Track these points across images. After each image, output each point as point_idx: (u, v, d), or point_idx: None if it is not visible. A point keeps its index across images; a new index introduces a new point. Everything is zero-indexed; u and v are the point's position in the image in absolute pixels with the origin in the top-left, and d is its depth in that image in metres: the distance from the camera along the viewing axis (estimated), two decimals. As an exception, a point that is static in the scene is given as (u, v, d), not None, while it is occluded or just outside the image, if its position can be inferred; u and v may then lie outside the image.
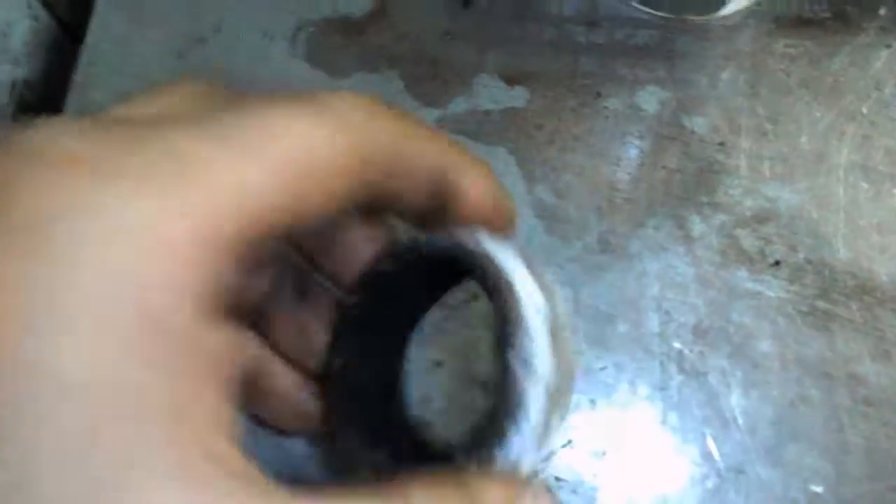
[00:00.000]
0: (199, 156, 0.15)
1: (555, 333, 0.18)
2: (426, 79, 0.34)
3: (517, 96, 0.34)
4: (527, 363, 0.17)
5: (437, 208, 0.21)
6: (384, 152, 0.18)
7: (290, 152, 0.16)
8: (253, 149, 0.15)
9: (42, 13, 0.39)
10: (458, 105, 0.33)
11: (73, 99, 0.34)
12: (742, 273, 0.31)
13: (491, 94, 0.34)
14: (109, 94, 0.34)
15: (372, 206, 0.20)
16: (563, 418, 0.18)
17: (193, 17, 0.35)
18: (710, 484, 0.29)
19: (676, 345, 0.30)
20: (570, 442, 0.29)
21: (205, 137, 0.15)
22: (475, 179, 0.21)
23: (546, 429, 0.17)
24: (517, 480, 0.17)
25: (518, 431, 0.17)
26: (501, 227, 0.22)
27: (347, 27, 0.35)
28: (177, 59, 0.35)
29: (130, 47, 0.35)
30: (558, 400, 0.18)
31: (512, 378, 0.17)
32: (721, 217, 0.32)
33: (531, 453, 0.17)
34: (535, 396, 0.17)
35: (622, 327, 0.30)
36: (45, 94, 0.39)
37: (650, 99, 0.34)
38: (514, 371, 0.17)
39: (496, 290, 0.18)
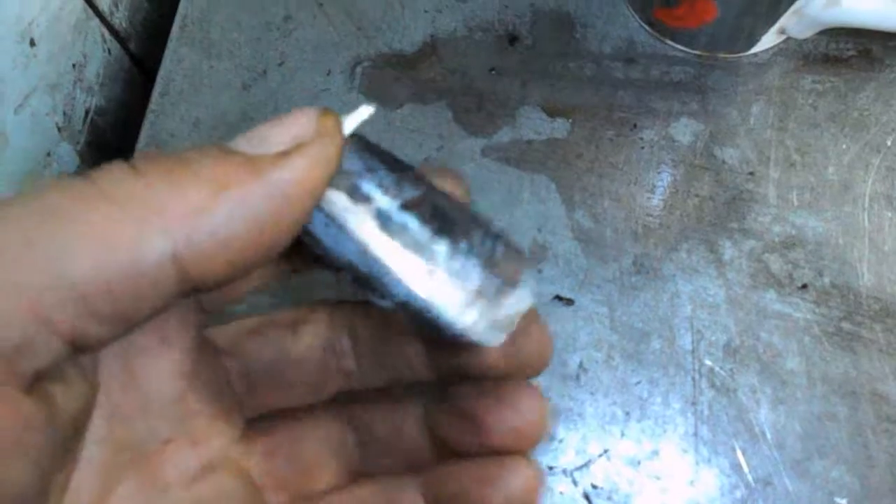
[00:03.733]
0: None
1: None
2: (473, 110, 0.36)
3: (558, 127, 0.36)
4: None
5: None
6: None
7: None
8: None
9: (115, 46, 0.42)
10: (503, 135, 0.36)
11: (147, 126, 0.37)
12: (771, 295, 0.33)
13: (534, 125, 0.36)
14: (181, 122, 0.37)
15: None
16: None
17: (258, 53, 0.38)
18: (738, 494, 0.30)
19: (708, 362, 0.32)
20: (606, 452, 0.31)
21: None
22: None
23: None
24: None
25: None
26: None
27: (400, 62, 0.37)
28: (242, 90, 0.37)
29: (200, 79, 0.38)
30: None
31: None
32: (751, 242, 0.34)
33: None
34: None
35: (656, 344, 0.32)
36: (116, 122, 0.43)
37: (684, 131, 0.36)
38: None
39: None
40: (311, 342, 0.22)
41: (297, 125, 0.16)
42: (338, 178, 0.16)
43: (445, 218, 0.17)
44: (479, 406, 0.20)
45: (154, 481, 0.19)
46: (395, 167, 0.17)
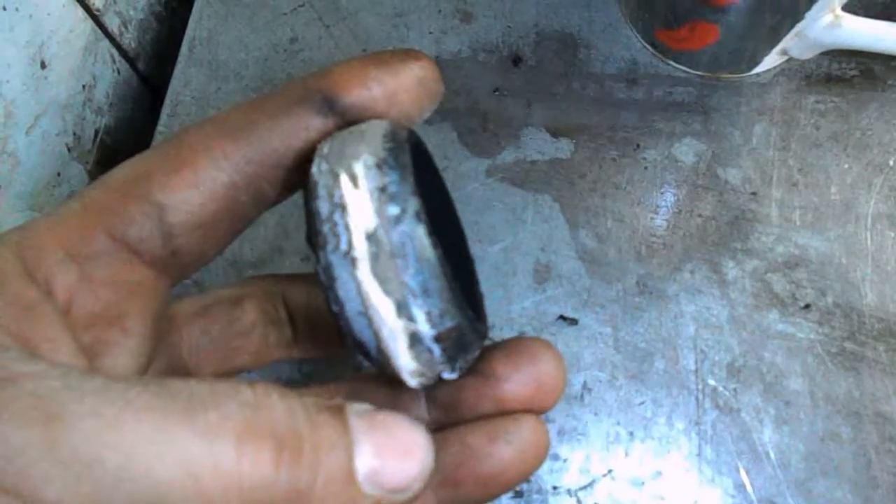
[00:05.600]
0: None
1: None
2: (477, 131, 0.37)
3: (562, 147, 0.36)
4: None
5: None
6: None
7: None
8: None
9: (124, 67, 0.43)
10: (507, 155, 0.36)
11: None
12: (774, 315, 0.33)
13: (537, 145, 0.36)
14: (188, 143, 0.38)
15: None
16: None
17: (265, 74, 0.39)
18: (743, 514, 0.30)
19: (711, 382, 0.32)
20: (610, 472, 0.31)
21: None
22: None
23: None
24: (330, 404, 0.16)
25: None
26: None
27: (405, 83, 0.38)
28: (249, 112, 0.38)
29: (208, 100, 0.38)
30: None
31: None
32: (754, 262, 0.34)
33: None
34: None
35: (659, 364, 0.32)
36: (125, 142, 0.43)
37: (687, 151, 0.36)
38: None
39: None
40: (253, 315, 0.23)
41: (417, 464, 0.16)
42: (387, 216, 0.17)
43: (461, 344, 0.18)
44: (493, 358, 0.20)
45: None
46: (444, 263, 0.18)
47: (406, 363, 0.18)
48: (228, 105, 0.38)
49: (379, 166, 0.17)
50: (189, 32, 0.40)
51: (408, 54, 0.19)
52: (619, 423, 0.32)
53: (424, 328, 0.17)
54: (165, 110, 0.38)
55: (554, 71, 0.38)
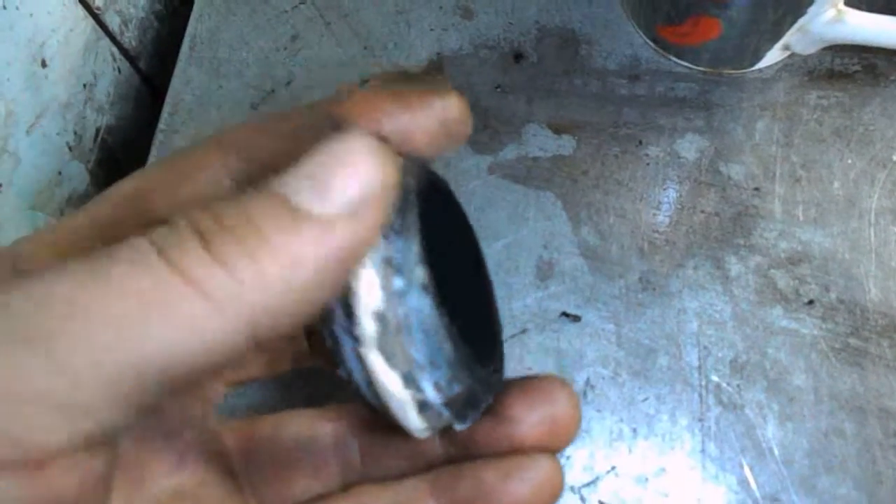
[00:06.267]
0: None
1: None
2: (479, 128, 0.36)
3: (564, 144, 0.36)
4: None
5: None
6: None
7: None
8: None
9: (125, 66, 0.43)
10: (509, 152, 0.36)
11: (157, 145, 0.38)
12: (777, 311, 0.33)
13: (539, 142, 0.36)
14: (190, 142, 0.37)
15: None
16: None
17: (266, 72, 0.39)
18: (747, 511, 0.30)
19: (715, 378, 0.32)
20: (613, 468, 0.31)
21: None
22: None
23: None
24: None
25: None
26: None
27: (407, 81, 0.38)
28: (250, 110, 0.38)
29: (209, 98, 0.38)
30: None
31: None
32: (757, 258, 0.34)
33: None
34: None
35: (663, 361, 0.32)
36: (126, 141, 0.43)
37: (689, 147, 0.36)
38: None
39: None
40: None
41: (362, 171, 0.15)
42: (387, 288, 0.16)
43: (471, 402, 0.18)
44: (508, 398, 0.19)
45: None
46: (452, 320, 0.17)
47: (416, 425, 0.18)
48: (229, 103, 0.38)
49: (385, 235, 0.16)
50: (190, 31, 0.40)
51: (430, 92, 0.18)
52: (622, 420, 0.32)
53: (433, 396, 0.17)
54: (166, 109, 0.38)
55: (555, 67, 0.37)
